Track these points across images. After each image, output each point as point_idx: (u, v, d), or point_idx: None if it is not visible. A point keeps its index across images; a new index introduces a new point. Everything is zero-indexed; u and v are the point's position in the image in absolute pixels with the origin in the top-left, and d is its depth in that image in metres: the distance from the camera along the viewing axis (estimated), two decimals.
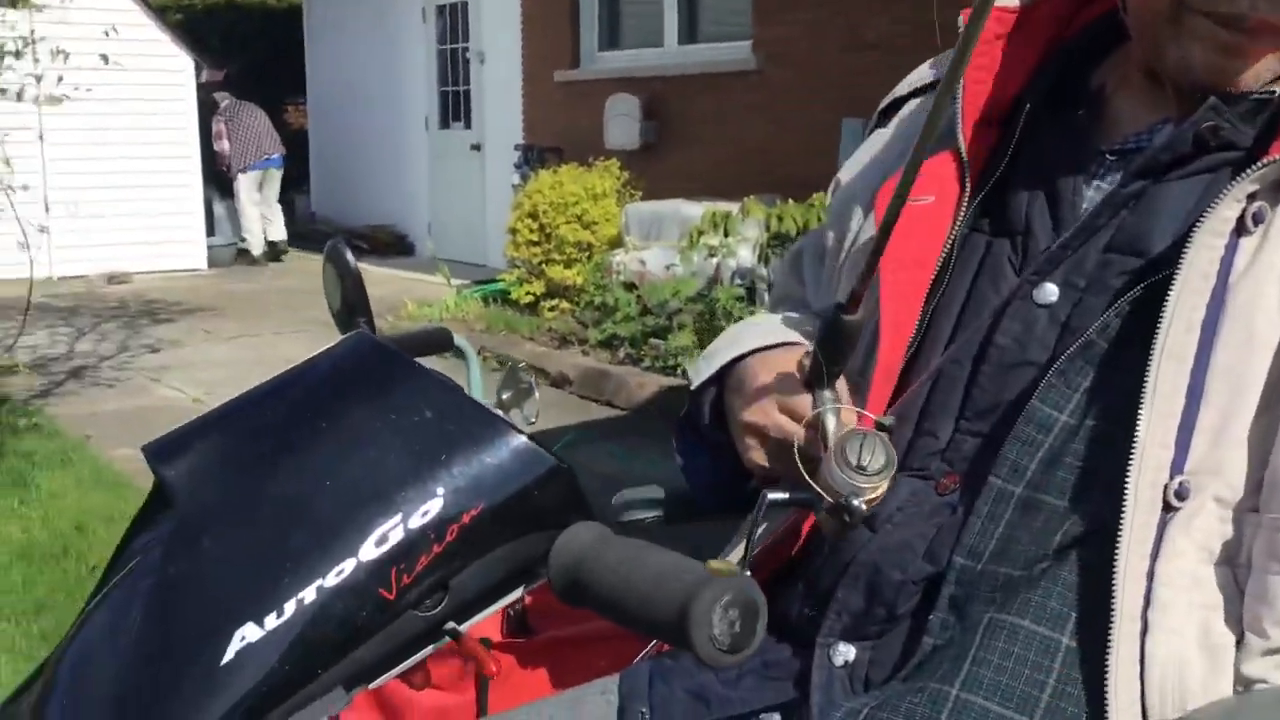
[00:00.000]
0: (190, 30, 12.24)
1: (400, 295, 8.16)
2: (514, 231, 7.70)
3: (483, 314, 7.67)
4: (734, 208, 6.28)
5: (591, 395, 6.02)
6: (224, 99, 11.03)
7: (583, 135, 8.69)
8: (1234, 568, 0.83)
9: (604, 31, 8.94)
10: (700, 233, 6.25)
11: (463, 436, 0.76)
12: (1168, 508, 0.83)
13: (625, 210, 7.36)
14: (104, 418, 5.56)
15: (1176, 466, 0.84)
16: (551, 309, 7.54)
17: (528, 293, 7.72)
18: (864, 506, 0.84)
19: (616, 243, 7.35)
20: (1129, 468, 0.83)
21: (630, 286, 6.65)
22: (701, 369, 1.11)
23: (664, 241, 6.91)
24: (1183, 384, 0.84)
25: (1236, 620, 0.83)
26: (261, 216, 11.18)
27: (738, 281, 6.14)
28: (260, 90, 11.75)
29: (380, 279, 9.70)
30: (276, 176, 11.22)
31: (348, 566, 0.72)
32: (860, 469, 0.83)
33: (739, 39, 7.69)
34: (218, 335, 7.81)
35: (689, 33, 8.24)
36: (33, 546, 3.78)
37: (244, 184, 11.03)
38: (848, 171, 1.22)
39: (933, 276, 1.00)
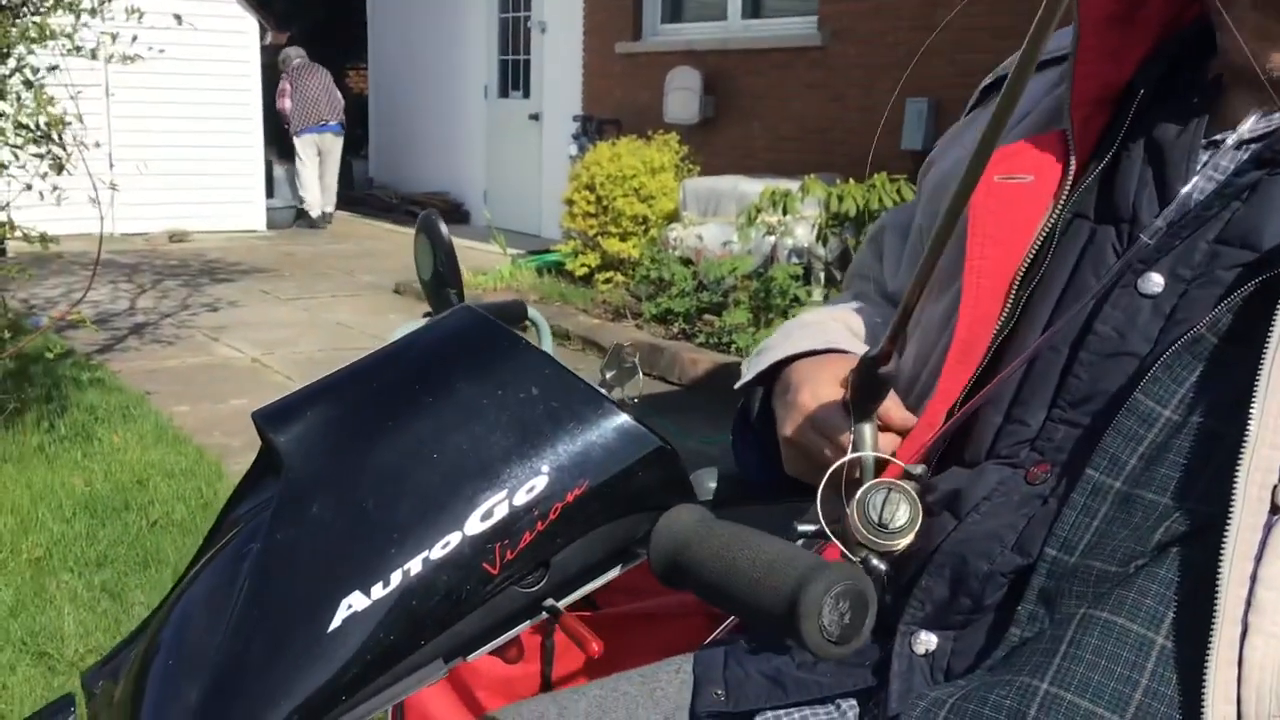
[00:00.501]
0: None
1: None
2: (570, 203, 7.70)
3: (537, 284, 7.69)
4: (793, 186, 6.23)
5: (645, 370, 6.02)
6: (296, 57, 11.09)
7: (642, 108, 8.66)
8: None
9: (666, 4, 8.89)
10: (758, 210, 6.21)
11: (568, 415, 0.76)
12: (1275, 509, 0.81)
13: (683, 185, 7.33)
14: (164, 374, 5.64)
15: None
16: (606, 281, 7.54)
17: (583, 265, 7.72)
18: (883, 566, 0.84)
19: (673, 217, 7.33)
20: (1238, 467, 0.81)
21: (686, 262, 6.63)
22: (749, 367, 1.11)
23: (721, 218, 6.88)
24: None
25: None
26: (320, 179, 11.27)
27: (794, 260, 6.10)
28: (322, 54, 11.81)
29: None
30: (335, 144, 11.29)
31: (453, 540, 0.72)
32: (881, 527, 0.82)
33: (804, 14, 7.62)
34: (275, 296, 7.89)
35: (753, 7, 8.17)
36: (95, 499, 3.85)
37: (301, 146, 11.12)
38: (941, 152, 1.20)
39: (1027, 257, 0.98)
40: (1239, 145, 0.94)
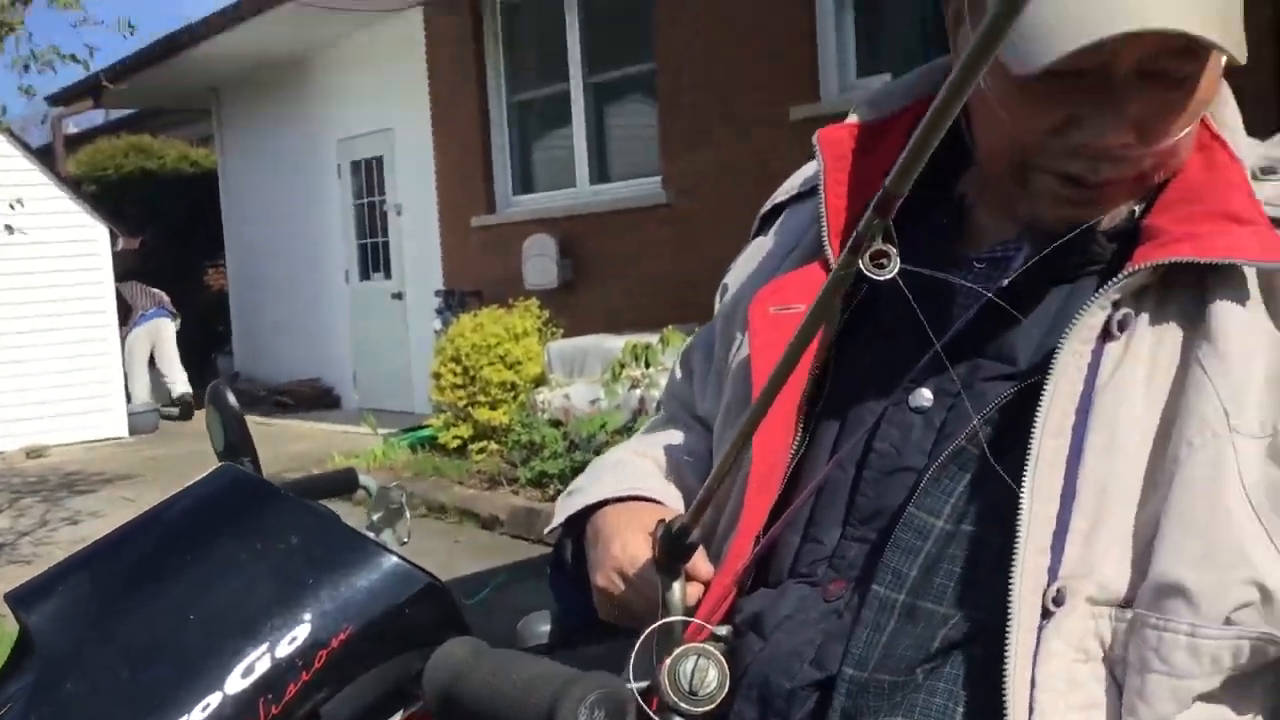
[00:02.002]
0: (106, 200, 12.28)
1: (326, 449, 8.08)
2: (438, 376, 7.70)
3: (411, 461, 7.61)
4: (654, 338, 6.35)
5: (523, 534, 5.96)
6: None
7: (502, 277, 8.79)
8: (1110, 665, 0.84)
9: (517, 176, 9.14)
10: (622, 365, 6.30)
11: (330, 560, 0.76)
12: (1046, 613, 0.84)
13: (547, 348, 7.41)
14: None
15: (1053, 572, 0.85)
16: (480, 451, 7.50)
17: (455, 437, 7.68)
18: None
19: (540, 381, 7.38)
20: (1011, 575, 0.84)
21: (556, 423, 6.66)
22: (560, 510, 1.13)
23: (587, 377, 6.95)
24: (1057, 490, 0.86)
25: (1116, 717, 0.84)
26: (160, 375, 11.15)
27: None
28: (179, 255, 11.77)
29: (306, 434, 9.60)
30: (169, 327, 11.22)
31: (214, 701, 0.71)
32: (691, 694, 0.85)
33: (649, 175, 7.90)
34: (140, 503, 7.63)
35: (600, 172, 8.45)
36: None
37: (133, 341, 11.04)
38: (733, 277, 1.24)
39: (810, 383, 1.02)
40: (992, 262, 0.98)
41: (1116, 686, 0.84)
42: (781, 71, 6.74)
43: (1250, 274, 0.86)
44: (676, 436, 1.24)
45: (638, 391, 6.28)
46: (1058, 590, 0.84)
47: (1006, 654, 0.83)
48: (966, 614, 0.88)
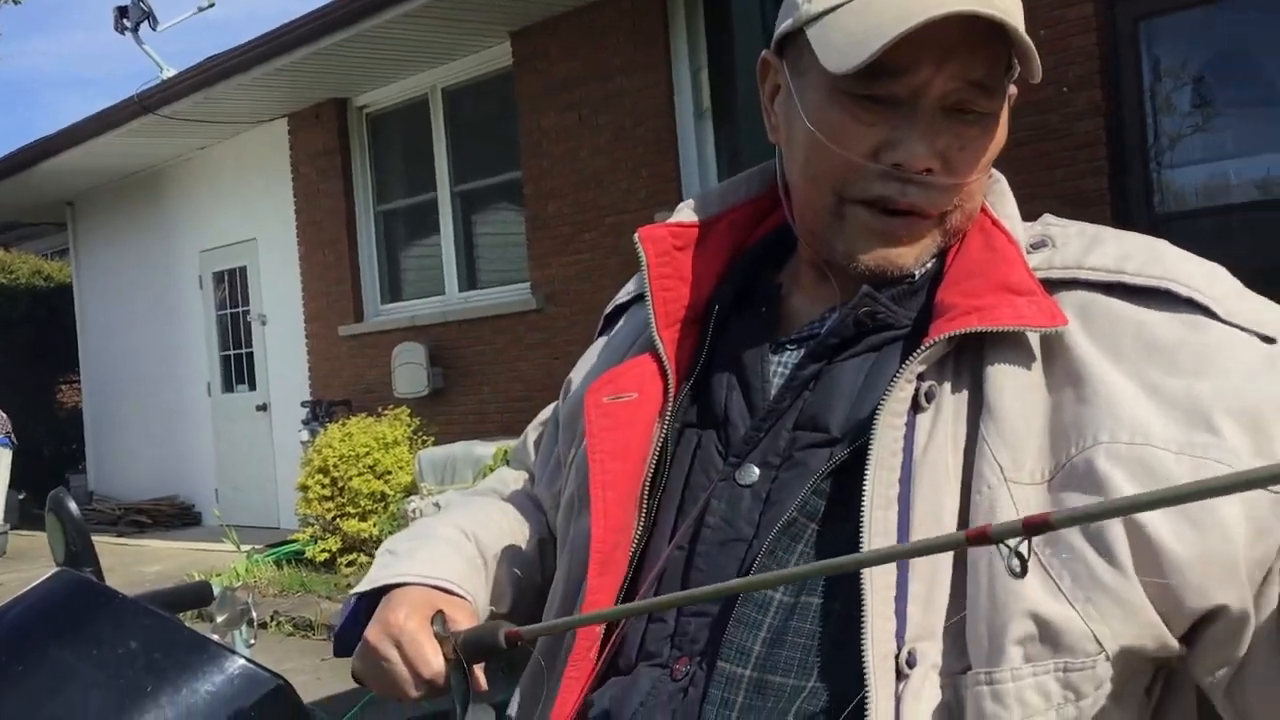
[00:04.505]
0: None
1: (187, 567, 7.77)
2: (305, 488, 7.52)
3: (276, 577, 7.36)
4: None
5: None
6: None
7: (371, 386, 8.68)
8: None
9: (385, 284, 9.09)
10: (491, 469, 6.25)
11: (172, 665, 0.74)
12: (900, 675, 0.87)
13: (418, 456, 7.31)
14: None
15: (900, 636, 0.88)
16: (349, 564, 7.31)
17: (323, 550, 7.48)
18: None
19: (412, 490, 7.26)
20: (863, 642, 0.86)
21: None
22: (376, 569, 1.14)
23: (459, 483, 6.86)
24: None
25: None
26: None
27: None
28: (32, 371, 11.30)
29: (163, 553, 9.23)
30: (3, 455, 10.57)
31: None
32: None
33: (517, 282, 7.95)
34: None
35: (469, 279, 8.46)
36: None
37: None
38: (577, 374, 1.28)
39: (649, 470, 1.05)
40: (800, 341, 1.06)
41: None
42: (644, 180, 6.92)
43: (1033, 339, 0.93)
44: (509, 519, 1.27)
45: None
46: (908, 653, 0.87)
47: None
48: (819, 684, 0.90)
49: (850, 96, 0.98)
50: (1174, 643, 0.87)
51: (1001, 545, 0.66)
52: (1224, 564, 0.84)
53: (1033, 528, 0.63)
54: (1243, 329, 0.90)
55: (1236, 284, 0.96)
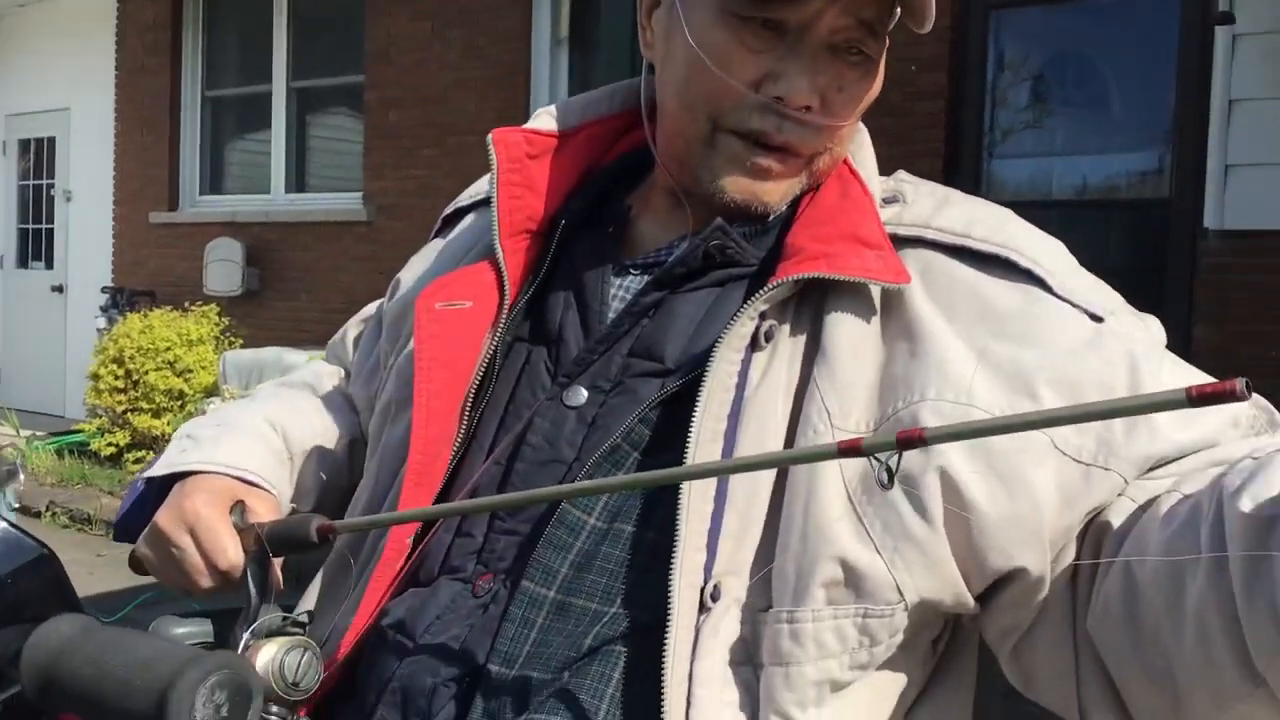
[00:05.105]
0: None
1: None
2: (96, 377, 7.14)
3: (56, 467, 7.00)
4: None
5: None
6: None
7: (179, 279, 8.29)
8: (754, 667, 0.87)
9: (206, 175, 8.67)
10: None
11: None
12: (703, 608, 0.86)
13: (223, 357, 7.03)
14: None
15: (708, 569, 0.87)
16: (136, 461, 7.00)
17: (110, 444, 7.13)
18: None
19: (213, 391, 6.98)
20: (671, 571, 0.85)
21: None
22: (170, 454, 1.10)
23: None
24: (711, 490, 0.88)
25: (763, 714, 0.86)
26: None
27: None
28: None
29: None
30: None
31: None
32: (294, 685, 0.85)
33: (349, 190, 7.69)
34: None
35: (298, 181, 8.15)
36: None
37: None
38: (407, 274, 1.23)
39: (474, 381, 1.01)
40: (645, 267, 1.04)
41: (759, 687, 0.86)
42: (492, 103, 6.77)
43: (875, 291, 0.94)
44: (320, 411, 1.23)
45: None
46: (714, 586, 0.86)
47: (665, 649, 0.84)
48: (620, 611, 0.89)
49: (739, 19, 0.95)
50: (970, 600, 0.89)
51: (872, 459, 0.67)
52: (1030, 528, 0.86)
53: (905, 442, 0.63)
54: (1074, 305, 0.92)
55: (1074, 262, 0.98)
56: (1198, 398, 0.53)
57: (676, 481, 0.86)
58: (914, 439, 0.63)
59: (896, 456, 0.67)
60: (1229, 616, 0.74)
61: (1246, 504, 0.73)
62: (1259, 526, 0.72)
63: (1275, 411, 0.94)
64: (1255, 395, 0.92)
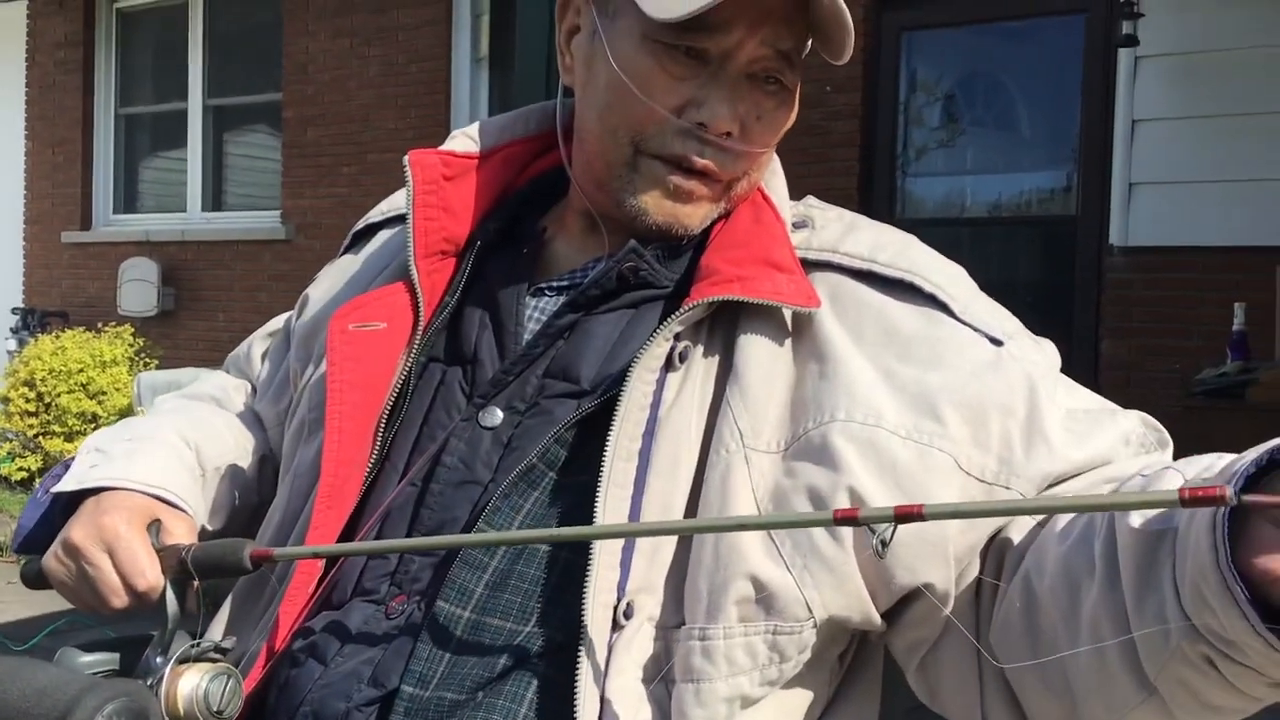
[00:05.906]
0: None
1: None
2: (6, 400, 6.96)
3: None
4: None
5: None
6: None
7: (92, 300, 8.12)
8: (666, 684, 0.88)
9: (120, 193, 8.50)
10: None
11: None
12: (616, 625, 0.87)
13: (138, 379, 6.88)
14: None
15: (621, 587, 0.88)
16: None
17: (20, 469, 6.94)
18: None
19: (127, 413, 6.84)
20: (585, 590, 0.86)
21: None
22: (80, 465, 1.07)
23: None
24: (624, 509, 0.90)
25: None
26: None
27: None
28: None
29: None
30: None
31: None
32: (218, 714, 0.84)
33: (267, 209, 7.60)
34: None
35: (214, 200, 8.03)
36: None
37: None
38: (317, 291, 1.23)
39: (388, 401, 1.01)
40: (560, 289, 1.05)
41: (670, 705, 0.88)
42: (413, 121, 6.74)
43: (787, 314, 0.96)
44: (232, 427, 1.21)
45: None
46: (627, 604, 0.88)
47: (578, 668, 0.85)
48: (535, 629, 0.90)
49: (663, 46, 0.97)
50: (877, 617, 0.91)
51: (869, 528, 0.71)
52: (935, 546, 0.88)
53: (903, 516, 0.67)
54: (975, 329, 0.96)
55: (974, 286, 1.02)
56: (1190, 500, 0.63)
57: (637, 536, 0.88)
58: (912, 514, 0.67)
59: (891, 528, 0.70)
60: (1122, 627, 0.77)
61: (1136, 519, 0.77)
62: (1148, 540, 0.76)
63: (1165, 431, 0.98)
64: (1145, 415, 0.97)
